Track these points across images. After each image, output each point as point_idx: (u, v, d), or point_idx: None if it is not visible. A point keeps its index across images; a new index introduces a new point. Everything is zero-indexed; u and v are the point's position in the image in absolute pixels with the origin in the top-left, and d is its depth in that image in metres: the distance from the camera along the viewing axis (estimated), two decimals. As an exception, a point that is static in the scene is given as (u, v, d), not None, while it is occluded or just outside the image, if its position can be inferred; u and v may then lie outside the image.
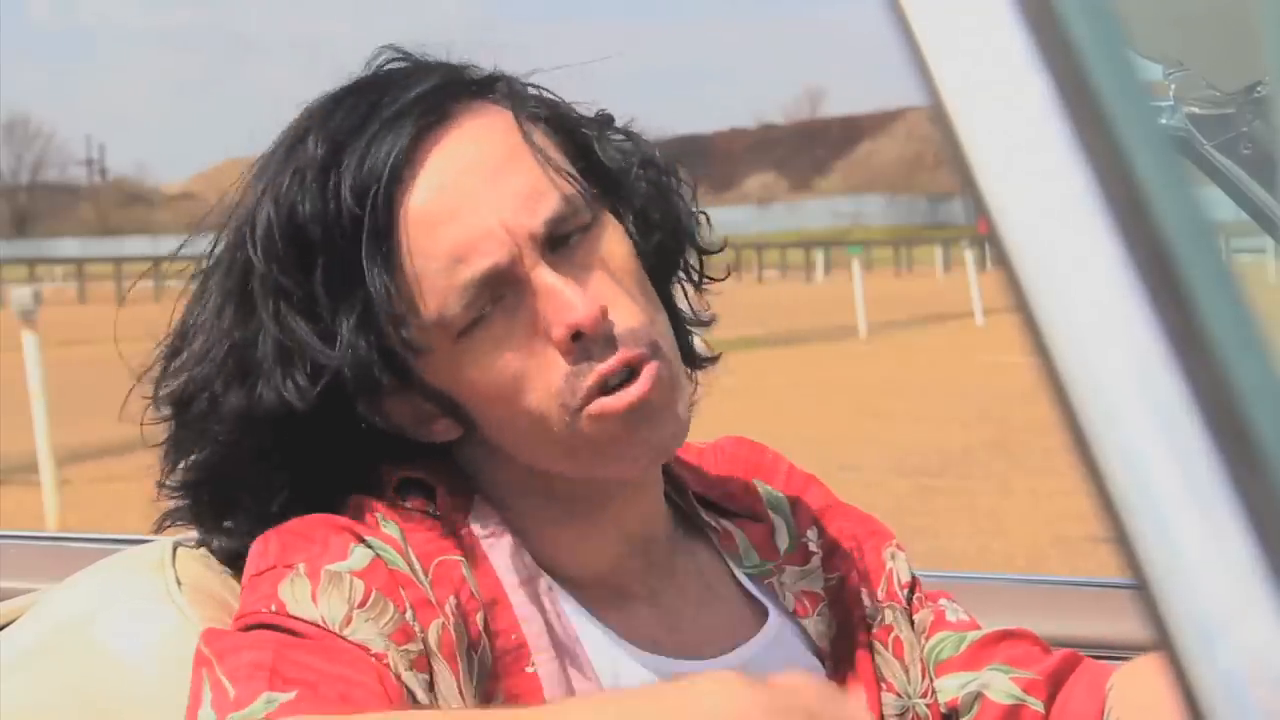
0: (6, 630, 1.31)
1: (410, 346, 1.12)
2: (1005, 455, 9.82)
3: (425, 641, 1.08)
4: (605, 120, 1.22)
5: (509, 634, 1.13)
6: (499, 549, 1.16)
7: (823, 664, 1.28)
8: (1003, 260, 0.51)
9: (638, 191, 1.20)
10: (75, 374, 15.91)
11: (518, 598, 1.15)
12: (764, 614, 1.26)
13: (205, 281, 1.20)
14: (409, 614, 1.08)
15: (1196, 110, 1.67)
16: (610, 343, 1.11)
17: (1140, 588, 0.49)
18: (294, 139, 1.15)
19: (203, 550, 1.29)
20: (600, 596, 1.19)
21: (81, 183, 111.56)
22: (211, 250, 1.20)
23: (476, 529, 1.17)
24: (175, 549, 1.28)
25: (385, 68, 1.18)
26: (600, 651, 1.17)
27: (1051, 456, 8.39)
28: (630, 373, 1.12)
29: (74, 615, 1.25)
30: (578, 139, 1.18)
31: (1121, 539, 0.49)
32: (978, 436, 10.67)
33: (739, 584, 1.27)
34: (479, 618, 1.12)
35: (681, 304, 1.26)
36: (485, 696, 1.11)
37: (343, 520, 1.13)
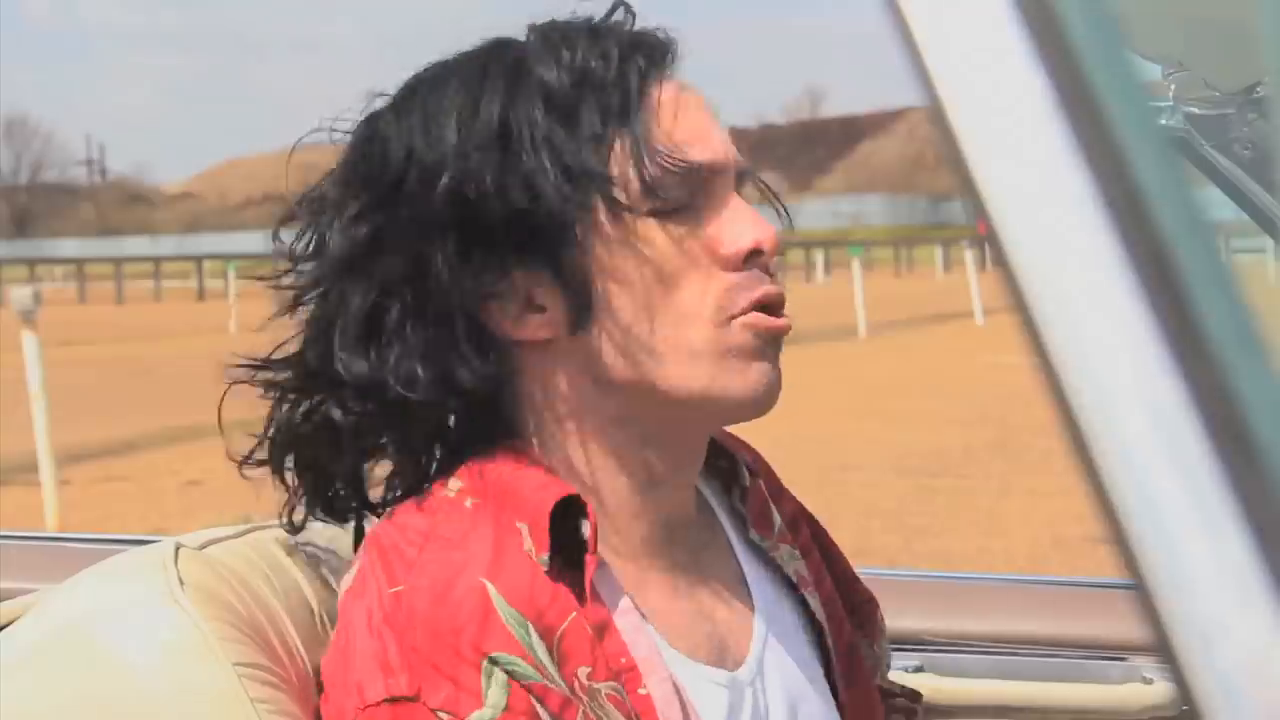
0: (7, 630, 1.31)
1: (614, 198, 1.16)
2: (1005, 455, 9.82)
3: None
4: None
5: (618, 657, 1.14)
6: (605, 574, 1.17)
7: (822, 638, 1.32)
8: (1003, 260, 0.51)
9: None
10: (75, 374, 15.93)
11: (625, 622, 1.16)
12: (754, 613, 1.28)
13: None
14: None
15: (1196, 110, 1.67)
16: (769, 274, 1.20)
17: (1139, 588, 0.49)
18: (580, 29, 1.21)
19: (206, 550, 1.29)
20: (643, 578, 1.21)
21: (81, 183, 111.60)
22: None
23: (594, 558, 1.15)
24: (178, 550, 1.28)
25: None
26: (674, 664, 1.18)
27: (1051, 457, 8.39)
28: (778, 309, 1.20)
29: (76, 615, 1.25)
30: None
31: (1121, 540, 0.49)
32: (978, 436, 10.67)
33: (744, 574, 1.30)
34: (597, 652, 1.13)
35: None
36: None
37: (458, 619, 1.10)
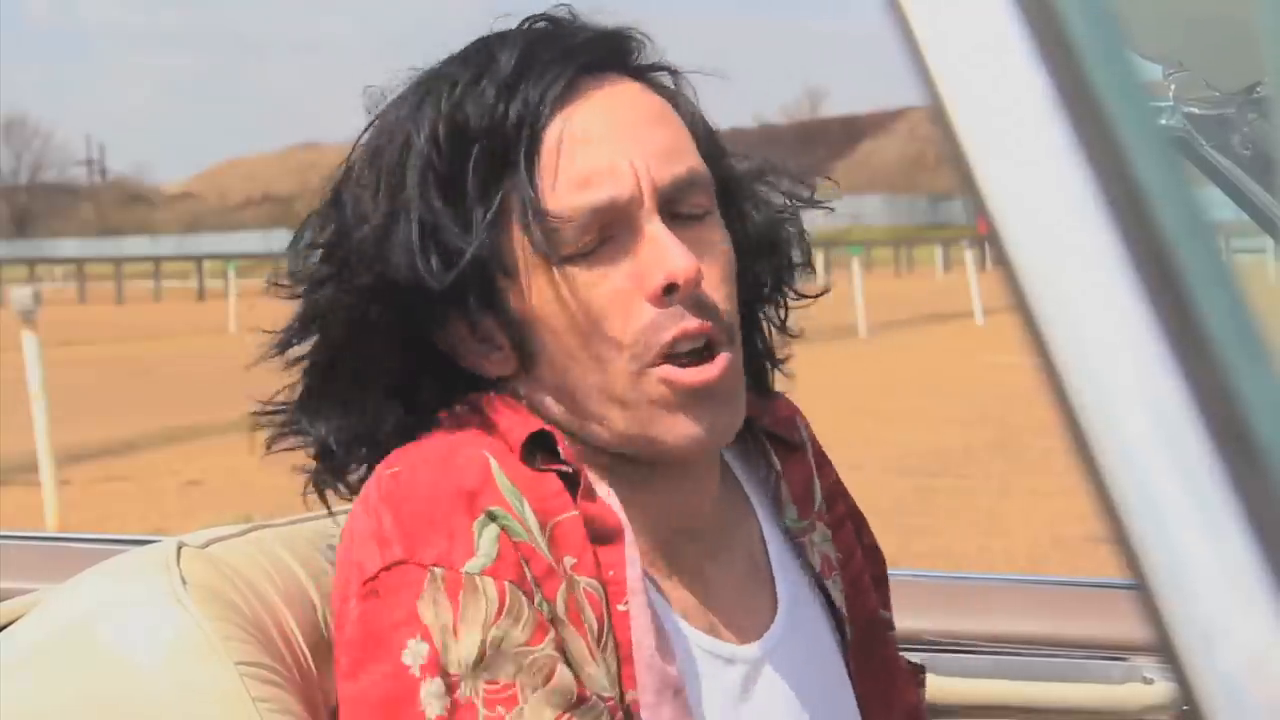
0: (8, 630, 1.31)
1: (524, 253, 1.17)
2: (1005, 455, 9.82)
3: (554, 610, 1.12)
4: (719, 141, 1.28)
5: (608, 569, 1.15)
6: (609, 499, 1.19)
7: (842, 629, 1.32)
8: (1003, 260, 0.51)
9: (750, 217, 1.27)
10: (75, 374, 15.93)
11: (629, 541, 1.17)
12: (777, 594, 1.29)
13: (351, 169, 1.24)
14: (538, 599, 1.11)
15: (1196, 110, 1.67)
16: (697, 308, 1.16)
17: (1140, 588, 0.49)
18: (482, 57, 1.19)
19: (208, 550, 1.29)
20: (657, 564, 1.22)
21: (81, 183, 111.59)
22: (361, 141, 1.24)
23: (589, 474, 1.19)
24: (180, 549, 1.28)
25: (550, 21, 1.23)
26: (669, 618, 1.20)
27: (1052, 456, 8.39)
28: (706, 351, 1.17)
29: (79, 615, 1.25)
30: (713, 144, 1.25)
31: (1121, 540, 0.49)
32: (978, 436, 10.67)
33: (767, 551, 1.31)
34: (590, 557, 1.15)
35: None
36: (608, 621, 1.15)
37: (458, 481, 1.14)
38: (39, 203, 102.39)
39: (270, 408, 1.27)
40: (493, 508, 1.12)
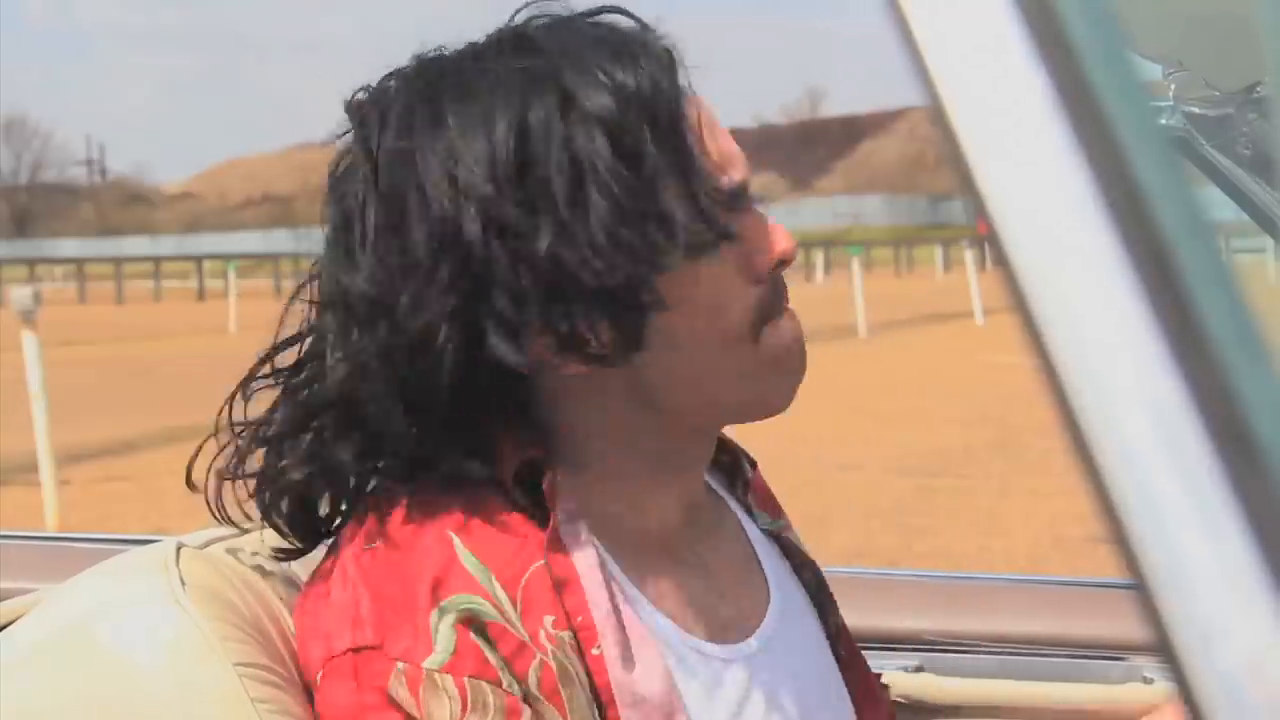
0: (7, 630, 1.31)
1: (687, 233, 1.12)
2: (1005, 455, 9.82)
3: (526, 689, 1.10)
4: None
5: (576, 615, 1.14)
6: (574, 530, 1.17)
7: (825, 618, 1.35)
8: (1003, 260, 0.51)
9: None
10: (75, 374, 15.93)
11: (590, 581, 1.16)
12: (768, 590, 1.31)
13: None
14: (504, 680, 1.10)
15: (1196, 110, 1.67)
16: (784, 288, 1.22)
17: (1140, 588, 0.49)
18: (616, 41, 1.14)
19: (208, 550, 1.29)
20: (654, 561, 1.22)
21: (81, 183, 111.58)
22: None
23: (561, 510, 1.17)
24: (179, 549, 1.28)
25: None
26: (660, 635, 1.19)
27: (1051, 457, 8.39)
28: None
29: (78, 615, 1.25)
30: None
31: (1121, 540, 0.49)
32: (978, 436, 10.67)
33: (755, 553, 1.33)
34: (561, 607, 1.14)
35: None
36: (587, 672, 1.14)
37: (421, 567, 1.13)
38: (39, 203, 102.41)
39: (250, 422, 1.24)
40: (451, 597, 1.11)
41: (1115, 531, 0.49)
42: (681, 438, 1.22)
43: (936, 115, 0.52)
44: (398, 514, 1.17)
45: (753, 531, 1.34)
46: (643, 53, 1.13)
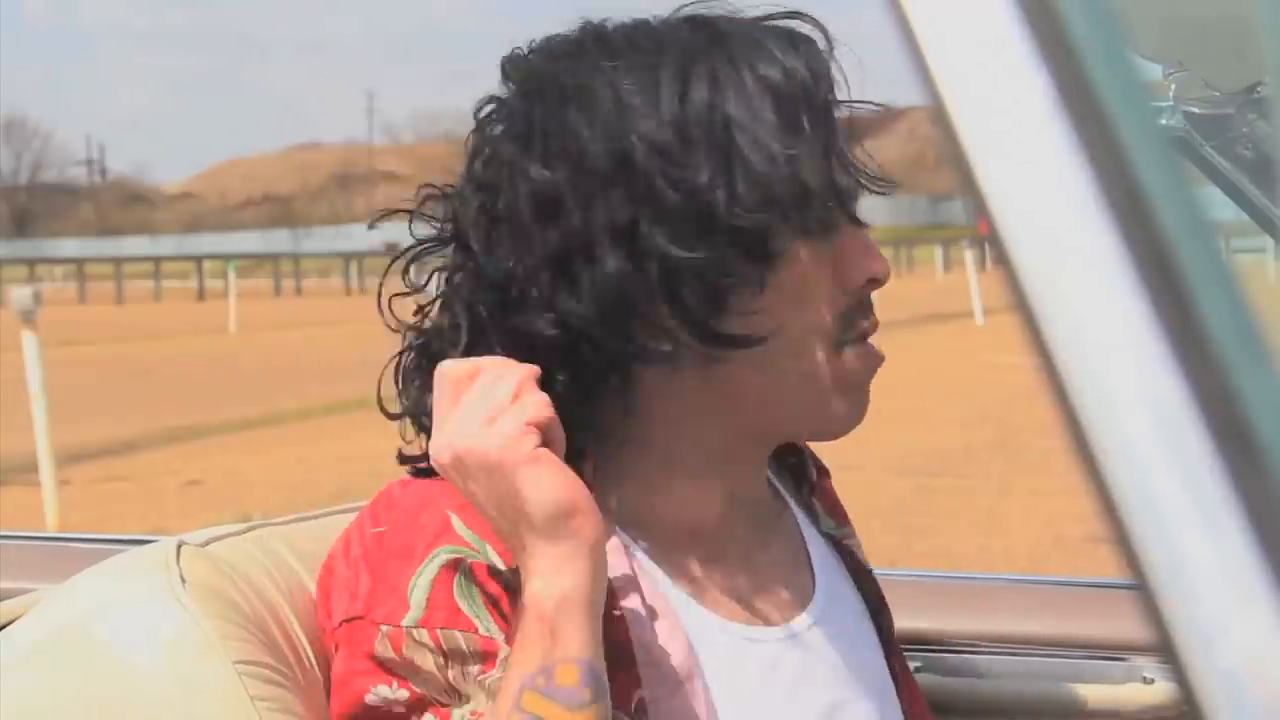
0: (7, 630, 1.31)
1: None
2: (1005, 455, 9.82)
3: (514, 623, 1.13)
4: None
5: None
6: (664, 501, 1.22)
7: (879, 624, 1.37)
8: (1004, 260, 0.51)
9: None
10: (75, 374, 15.93)
11: (613, 554, 1.18)
12: (814, 584, 1.33)
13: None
14: (481, 624, 1.14)
15: (1196, 110, 1.67)
16: (873, 318, 1.25)
17: (1140, 588, 0.49)
18: (785, 32, 1.20)
19: (208, 548, 1.29)
20: (684, 549, 1.24)
21: (81, 183, 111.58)
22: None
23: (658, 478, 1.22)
24: (179, 548, 1.28)
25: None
26: (677, 606, 1.22)
27: (1052, 456, 8.39)
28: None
29: (78, 614, 1.25)
30: None
31: (1121, 539, 0.49)
32: (978, 436, 10.67)
33: (807, 551, 1.34)
34: None
35: None
36: None
37: (413, 540, 1.18)
38: (39, 203, 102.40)
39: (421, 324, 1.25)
40: (435, 549, 1.16)
41: (1115, 531, 0.49)
42: (742, 440, 1.25)
43: (937, 115, 0.52)
44: (406, 498, 1.21)
45: (810, 533, 1.36)
46: (808, 49, 1.19)
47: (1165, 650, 0.49)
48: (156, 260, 50.49)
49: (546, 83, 1.19)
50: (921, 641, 1.81)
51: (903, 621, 1.82)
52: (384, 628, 1.16)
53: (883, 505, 8.18)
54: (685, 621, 1.21)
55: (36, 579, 1.68)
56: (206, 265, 47.22)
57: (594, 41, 1.21)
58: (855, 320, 1.22)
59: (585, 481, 1.14)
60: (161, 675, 1.19)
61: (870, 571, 1.40)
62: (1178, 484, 0.49)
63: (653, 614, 1.19)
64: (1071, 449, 0.50)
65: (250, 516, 1.36)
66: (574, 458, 1.15)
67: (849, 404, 1.24)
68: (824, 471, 1.43)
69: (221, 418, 12.90)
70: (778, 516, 1.34)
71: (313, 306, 36.83)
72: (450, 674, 1.14)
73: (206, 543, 1.31)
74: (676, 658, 1.19)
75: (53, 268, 58.18)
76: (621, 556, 1.20)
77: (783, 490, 1.37)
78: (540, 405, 1.10)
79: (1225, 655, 0.48)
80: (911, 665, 1.82)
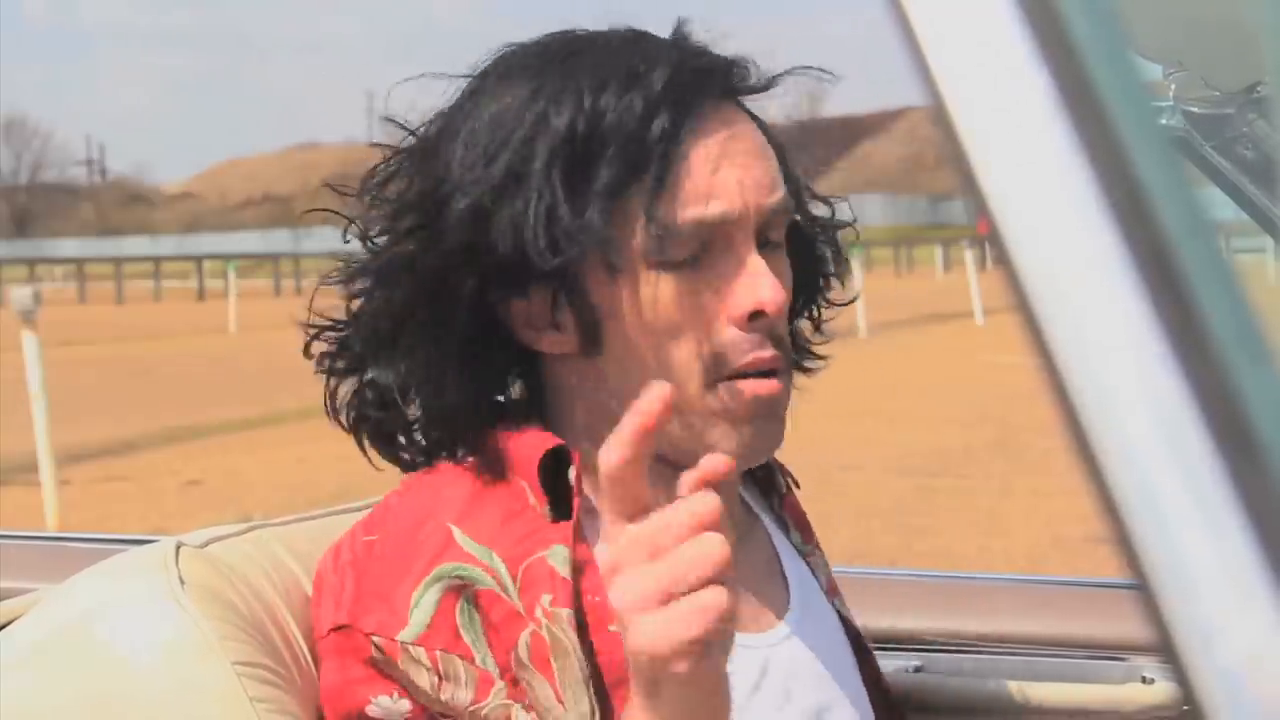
0: (7, 630, 1.31)
1: (626, 252, 1.20)
2: (1005, 455, 9.82)
3: (516, 656, 1.16)
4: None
5: (593, 595, 1.18)
6: (594, 523, 1.20)
7: (853, 642, 1.37)
8: (1003, 260, 0.51)
9: (809, 247, 1.33)
10: (75, 374, 15.93)
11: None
12: (789, 591, 1.34)
13: (456, 128, 1.24)
14: (479, 655, 1.15)
15: (1196, 110, 1.67)
16: (771, 337, 1.21)
17: (1140, 588, 0.49)
18: (634, 63, 1.21)
19: (207, 549, 1.29)
20: None
21: (81, 183, 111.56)
22: (467, 104, 1.25)
23: (583, 499, 1.21)
24: (178, 548, 1.28)
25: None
26: None
27: (1052, 456, 8.39)
28: (771, 373, 1.22)
29: (77, 614, 1.25)
30: (790, 176, 1.30)
31: (1122, 539, 0.49)
32: (978, 436, 10.67)
33: (779, 559, 1.35)
34: (572, 589, 1.18)
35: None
36: (588, 650, 1.17)
37: (414, 554, 1.19)
38: (39, 203, 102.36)
39: (327, 322, 1.29)
40: (442, 565, 1.17)
41: (1115, 531, 0.49)
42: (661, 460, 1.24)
43: (937, 115, 0.52)
44: (403, 508, 1.23)
45: (781, 544, 1.37)
46: (654, 78, 1.20)
47: (1165, 650, 0.49)
48: (156, 260, 50.45)
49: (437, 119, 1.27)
50: (921, 641, 1.82)
51: (903, 621, 1.83)
52: (376, 639, 1.17)
53: (883, 505, 8.18)
54: None
55: (36, 579, 1.68)
56: (206, 265, 47.20)
57: (478, 73, 1.26)
58: (731, 356, 1.20)
59: (571, 484, 1.17)
60: (160, 675, 1.19)
61: (838, 592, 1.41)
62: (1178, 484, 0.49)
63: None
64: (1071, 449, 0.50)
65: (250, 516, 1.36)
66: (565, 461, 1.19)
67: (739, 435, 1.21)
68: (794, 484, 1.43)
69: (221, 418, 12.90)
70: (749, 529, 1.34)
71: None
72: (444, 694, 1.15)
73: (205, 543, 1.31)
74: None
75: (53, 268, 58.16)
76: None
77: (752, 503, 1.38)
78: (717, 559, 0.96)
79: (1225, 654, 0.48)
80: (911, 665, 1.82)
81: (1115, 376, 0.50)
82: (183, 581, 1.23)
